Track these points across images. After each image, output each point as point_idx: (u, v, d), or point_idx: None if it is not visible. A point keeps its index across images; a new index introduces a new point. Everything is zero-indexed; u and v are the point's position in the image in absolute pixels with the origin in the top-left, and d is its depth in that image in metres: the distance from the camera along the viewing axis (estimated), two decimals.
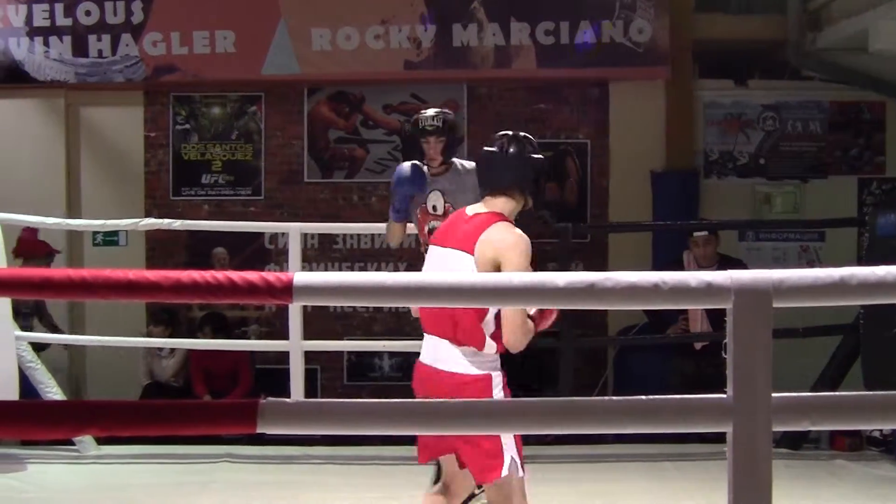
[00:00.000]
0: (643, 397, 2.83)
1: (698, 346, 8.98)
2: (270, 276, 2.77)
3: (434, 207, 6.43)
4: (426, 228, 6.44)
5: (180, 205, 11.29)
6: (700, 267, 8.77)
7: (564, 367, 8.66)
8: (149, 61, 10.95)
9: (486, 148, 4.82)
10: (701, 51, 11.21)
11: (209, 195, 11.44)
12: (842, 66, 10.74)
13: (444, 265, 4.65)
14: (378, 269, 11.10)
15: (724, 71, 11.46)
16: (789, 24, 10.93)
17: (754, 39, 11.20)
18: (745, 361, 2.74)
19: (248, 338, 10.80)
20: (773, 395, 2.76)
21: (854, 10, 9.75)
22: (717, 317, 8.61)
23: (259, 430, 2.78)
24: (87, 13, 10.91)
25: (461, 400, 3.82)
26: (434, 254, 4.79)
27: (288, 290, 2.76)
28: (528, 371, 9.51)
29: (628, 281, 2.80)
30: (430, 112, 6.42)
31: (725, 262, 8.62)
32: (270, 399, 2.79)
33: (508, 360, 4.71)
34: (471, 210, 4.76)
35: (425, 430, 3.03)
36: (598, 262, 10.79)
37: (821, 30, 10.50)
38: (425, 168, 6.39)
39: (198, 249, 11.07)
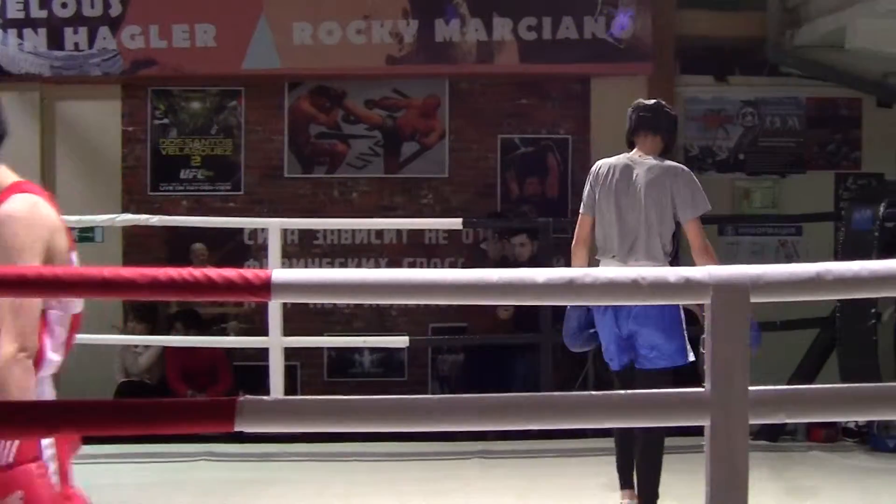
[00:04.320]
0: (621, 392, 2.84)
1: None
2: (248, 273, 2.75)
3: None
4: None
5: (159, 200, 11.18)
6: None
7: (544, 362, 8.69)
8: (127, 55, 10.90)
9: None
10: (682, 47, 11.24)
11: (188, 191, 11.38)
12: (819, 63, 10.85)
13: None
14: (358, 266, 11.06)
15: (705, 67, 11.49)
16: (769, 22, 11.03)
17: (735, 36, 11.28)
18: (723, 356, 2.75)
19: (227, 334, 10.72)
20: (750, 388, 2.77)
21: (831, 7, 9.87)
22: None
23: (237, 429, 2.77)
24: (64, 5, 10.84)
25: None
26: None
27: (266, 287, 2.75)
28: (507, 367, 9.51)
29: (607, 277, 2.82)
30: None
31: None
32: (248, 397, 2.78)
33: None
34: None
35: (405, 427, 3.03)
36: None
37: (799, 27, 10.60)
38: None
39: (176, 245, 11.01)
